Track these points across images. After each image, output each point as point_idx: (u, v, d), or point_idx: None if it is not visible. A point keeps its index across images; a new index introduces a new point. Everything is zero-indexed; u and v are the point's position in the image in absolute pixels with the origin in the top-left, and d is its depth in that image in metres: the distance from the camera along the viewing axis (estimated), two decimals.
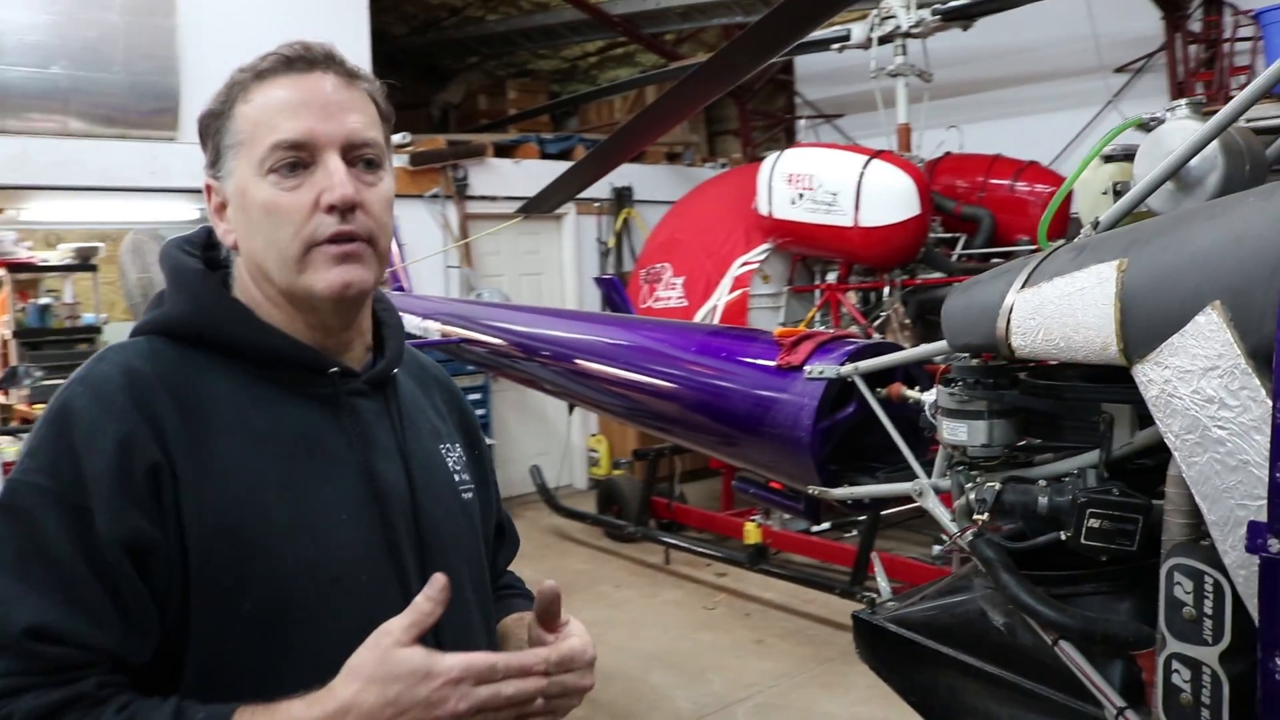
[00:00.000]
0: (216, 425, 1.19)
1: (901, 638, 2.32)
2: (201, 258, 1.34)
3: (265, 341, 1.25)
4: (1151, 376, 1.55)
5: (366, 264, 1.25)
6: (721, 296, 6.76)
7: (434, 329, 5.35)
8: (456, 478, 1.43)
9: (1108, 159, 2.17)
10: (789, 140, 10.31)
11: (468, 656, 1.06)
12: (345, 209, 1.21)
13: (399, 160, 7.80)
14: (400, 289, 6.90)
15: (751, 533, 5.78)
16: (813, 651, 5.01)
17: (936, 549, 5.38)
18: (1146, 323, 1.57)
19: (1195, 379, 1.48)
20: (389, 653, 1.05)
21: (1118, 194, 2.13)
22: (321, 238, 1.21)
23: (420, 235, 7.76)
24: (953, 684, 2.21)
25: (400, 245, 6.81)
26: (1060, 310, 1.73)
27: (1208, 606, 1.56)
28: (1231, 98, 2.08)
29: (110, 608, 1.08)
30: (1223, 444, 1.45)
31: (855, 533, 6.33)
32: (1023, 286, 1.84)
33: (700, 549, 6.13)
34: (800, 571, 5.60)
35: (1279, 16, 6.11)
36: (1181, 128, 1.99)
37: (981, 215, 6.22)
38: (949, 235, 6.32)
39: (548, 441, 8.60)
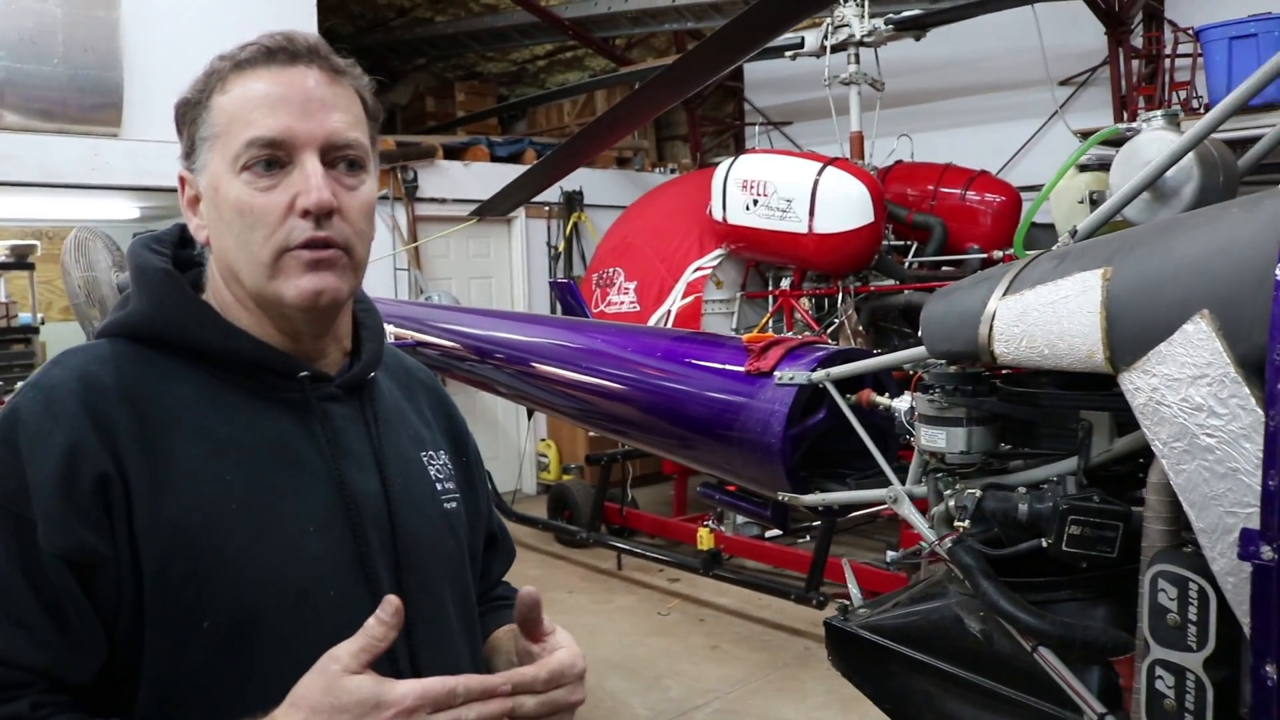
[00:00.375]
0: (177, 433, 1.13)
1: (875, 644, 2.31)
2: (171, 256, 1.28)
3: (231, 345, 1.20)
4: (1138, 384, 1.56)
5: (340, 272, 1.19)
6: (675, 302, 6.76)
7: (388, 332, 5.26)
8: (439, 486, 1.36)
9: (1083, 168, 2.19)
10: (738, 147, 10.36)
11: (423, 683, 1.00)
12: (321, 214, 1.15)
13: None
14: None
15: (705, 538, 5.78)
16: (768, 657, 5.02)
17: (890, 555, 5.40)
18: (1133, 331, 1.58)
19: (1184, 387, 1.49)
20: (335, 680, 0.99)
21: (1094, 203, 2.15)
22: (295, 243, 1.16)
23: None
24: (928, 691, 2.21)
25: None
26: (1044, 318, 1.73)
27: (1192, 613, 1.57)
28: (1174, 111, 2.12)
29: (48, 624, 1.02)
30: (1211, 452, 1.46)
31: (808, 538, 6.37)
32: (1005, 294, 1.85)
33: (654, 555, 6.11)
34: (754, 577, 5.60)
35: (1218, 34, 6.25)
36: (1158, 139, 2.02)
37: (933, 223, 6.30)
38: (900, 243, 6.39)
39: (498, 446, 8.53)
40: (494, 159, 8.75)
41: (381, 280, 7.85)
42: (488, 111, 10.56)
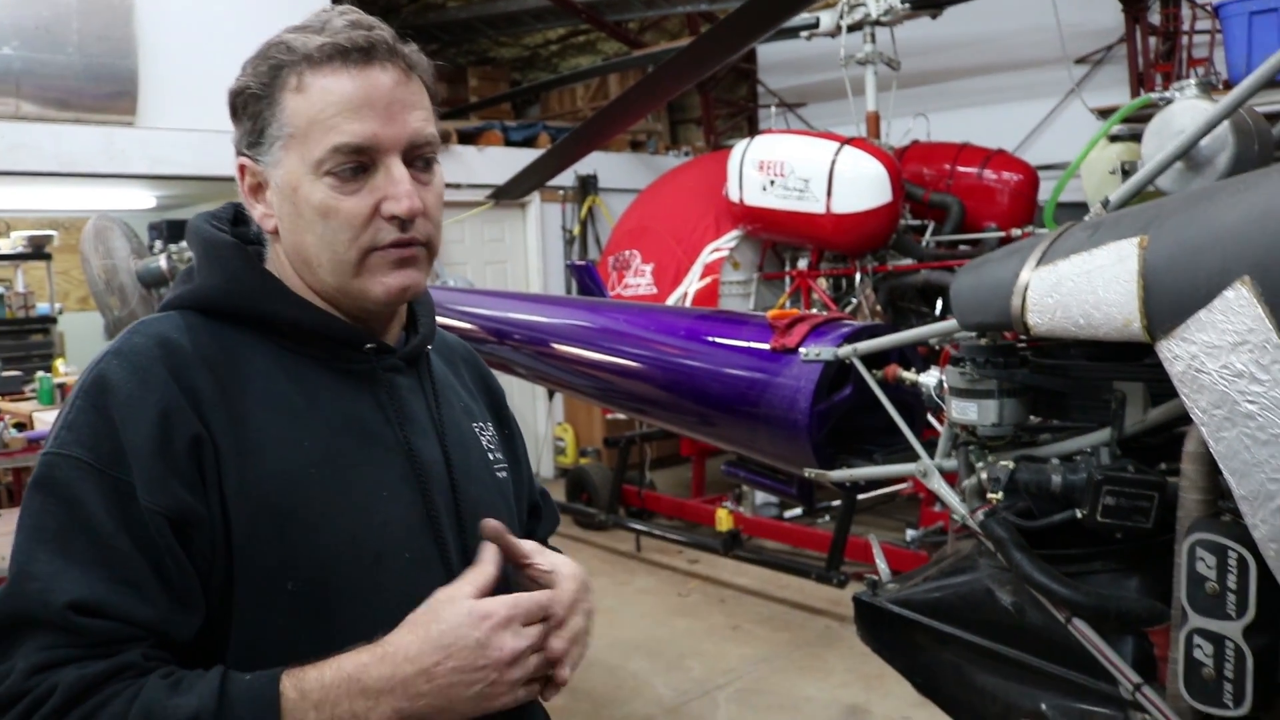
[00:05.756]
0: (255, 400, 1.16)
1: (905, 619, 2.31)
2: (230, 233, 1.30)
3: (303, 316, 1.23)
4: (1177, 352, 1.55)
5: (421, 267, 1.24)
6: (692, 283, 6.75)
7: None
8: (491, 456, 1.42)
9: (1114, 139, 2.18)
10: (751, 129, 10.31)
11: (514, 597, 1.10)
12: (409, 219, 1.18)
13: None
14: None
15: (724, 519, 5.79)
16: (789, 636, 5.02)
17: (910, 533, 5.41)
18: (1171, 299, 1.57)
19: (1224, 354, 1.48)
20: (439, 605, 1.08)
21: (1126, 174, 2.14)
22: (381, 244, 1.19)
23: None
24: (959, 664, 2.21)
25: None
26: (1079, 287, 1.72)
27: (1231, 581, 1.57)
28: (1207, 80, 2.11)
29: (154, 581, 1.06)
30: (1253, 419, 1.45)
31: (827, 518, 6.37)
32: (1038, 264, 1.84)
33: (673, 536, 6.12)
34: (774, 557, 5.61)
35: (1238, 9, 6.19)
36: (1191, 107, 2.00)
37: (950, 202, 6.27)
38: (918, 222, 6.37)
39: None
40: (508, 144, 8.73)
41: None
42: (501, 96, 10.53)
